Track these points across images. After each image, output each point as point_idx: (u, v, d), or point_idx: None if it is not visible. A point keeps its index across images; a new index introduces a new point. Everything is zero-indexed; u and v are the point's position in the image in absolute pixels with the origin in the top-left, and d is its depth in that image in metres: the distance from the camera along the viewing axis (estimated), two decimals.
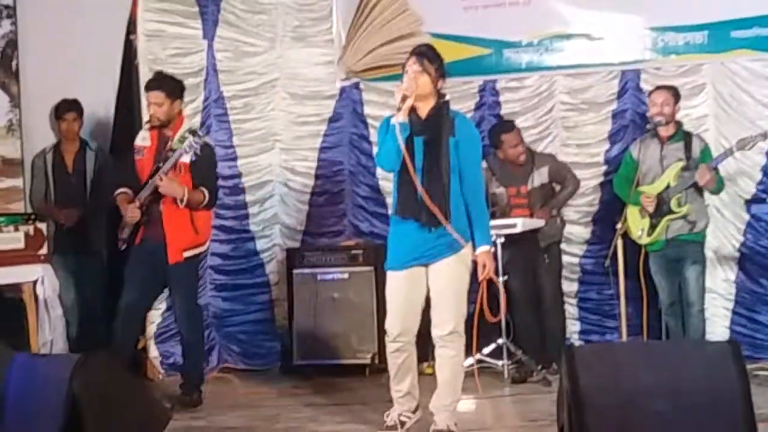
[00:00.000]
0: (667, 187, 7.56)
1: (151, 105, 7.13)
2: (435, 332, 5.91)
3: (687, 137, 7.66)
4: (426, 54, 5.92)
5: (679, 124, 7.71)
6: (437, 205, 5.75)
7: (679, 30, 8.29)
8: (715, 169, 7.49)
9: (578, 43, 8.58)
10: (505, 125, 8.22)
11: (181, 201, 6.97)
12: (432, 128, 5.84)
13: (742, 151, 7.63)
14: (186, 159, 7.00)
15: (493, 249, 5.99)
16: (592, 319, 8.60)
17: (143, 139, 7.23)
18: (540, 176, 8.07)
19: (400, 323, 5.91)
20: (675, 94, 7.66)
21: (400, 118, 5.75)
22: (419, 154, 5.83)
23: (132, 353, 7.62)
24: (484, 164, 7.57)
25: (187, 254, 7.14)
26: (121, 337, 7.17)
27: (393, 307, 5.93)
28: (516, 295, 7.95)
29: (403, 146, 5.73)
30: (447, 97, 6.02)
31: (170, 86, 7.18)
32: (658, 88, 7.76)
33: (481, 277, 5.87)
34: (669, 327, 7.73)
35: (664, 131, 7.65)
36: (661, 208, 7.57)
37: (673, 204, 7.54)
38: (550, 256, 8.13)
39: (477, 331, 6.22)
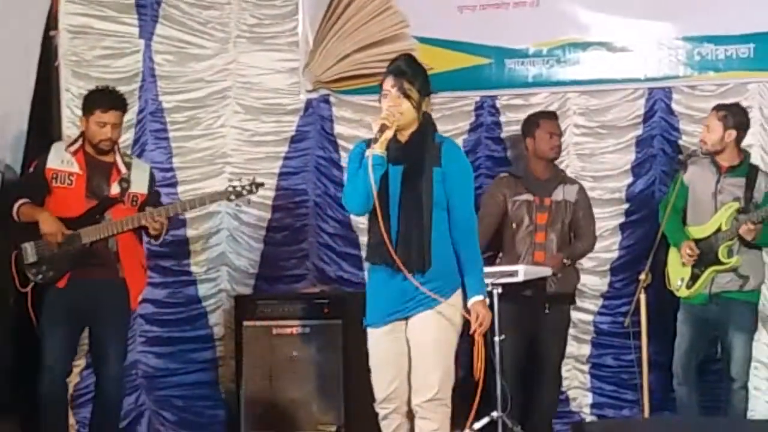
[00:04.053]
0: (718, 230, 6.99)
1: (105, 127, 6.76)
2: (414, 399, 5.50)
3: (752, 172, 7.13)
4: (405, 72, 5.54)
5: (745, 155, 7.19)
6: (415, 248, 5.45)
7: (719, 41, 7.83)
8: None
9: (597, 54, 8.09)
10: (545, 113, 7.85)
11: (158, 237, 6.87)
12: (413, 156, 5.52)
13: None
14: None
15: (488, 300, 5.66)
16: (607, 389, 8.11)
17: (65, 162, 6.79)
18: (567, 192, 7.59)
19: (385, 386, 5.53)
20: (725, 116, 7.10)
21: (377, 150, 5.42)
22: (395, 185, 5.50)
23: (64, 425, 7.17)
24: (504, 173, 7.71)
25: (139, 299, 7.12)
26: (51, 407, 6.79)
27: (376, 369, 5.59)
28: (511, 358, 7.37)
29: (375, 185, 5.44)
30: (432, 117, 5.69)
31: (123, 103, 6.93)
32: (713, 108, 7.31)
33: (473, 329, 5.48)
34: (680, 399, 7.21)
35: (724, 160, 7.09)
36: (706, 257, 7.01)
37: (721, 253, 6.95)
38: (554, 310, 7.52)
39: (479, 399, 5.72)
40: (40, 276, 6.68)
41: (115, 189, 6.77)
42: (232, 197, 6.83)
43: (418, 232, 5.46)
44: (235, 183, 6.88)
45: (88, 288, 6.72)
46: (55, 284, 6.71)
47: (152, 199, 6.90)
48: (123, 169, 6.83)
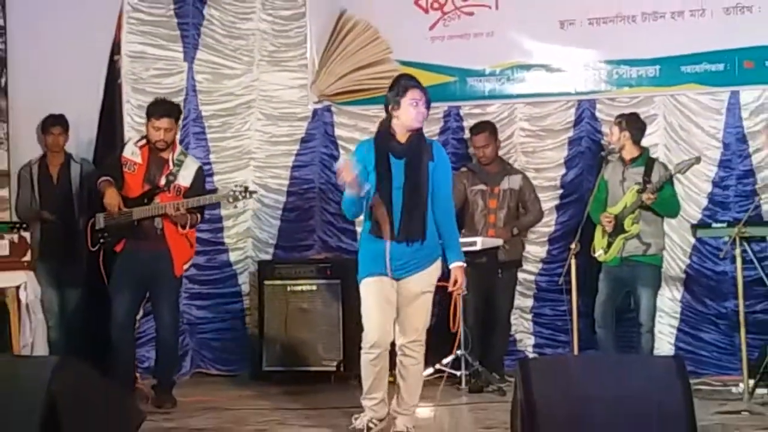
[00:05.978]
0: (624, 207, 7.36)
1: (159, 130, 6.96)
2: (400, 340, 5.77)
3: (649, 162, 7.45)
4: (425, 89, 5.80)
5: (644, 150, 7.50)
6: (416, 223, 5.68)
7: (632, 64, 8.20)
8: (670, 190, 7.33)
9: (538, 74, 8.47)
10: (476, 127, 8.05)
11: (183, 227, 6.92)
12: (412, 152, 5.73)
13: (689, 178, 7.74)
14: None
15: (465, 265, 5.85)
16: (545, 333, 8.49)
17: (133, 153, 7.06)
18: (511, 182, 7.88)
19: (377, 332, 5.69)
20: (620, 122, 7.45)
21: (352, 193, 5.64)
22: (399, 175, 5.71)
23: (132, 371, 7.33)
24: (464, 168, 7.87)
25: (185, 267, 7.20)
26: (123, 356, 7.04)
27: (370, 316, 5.72)
28: (472, 310, 7.72)
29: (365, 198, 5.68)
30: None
31: (177, 112, 7.11)
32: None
33: (452, 289, 5.76)
34: (600, 340, 7.49)
35: (627, 154, 7.44)
36: (617, 228, 7.36)
37: (626, 224, 7.33)
38: (505, 273, 7.92)
39: (458, 340, 6.46)
40: (101, 240, 6.97)
41: (163, 180, 6.94)
42: (231, 200, 6.89)
43: (418, 211, 5.66)
44: (235, 189, 6.87)
45: (141, 257, 6.92)
46: (113, 248, 6.93)
47: (193, 191, 6.96)
48: (171, 166, 6.94)
